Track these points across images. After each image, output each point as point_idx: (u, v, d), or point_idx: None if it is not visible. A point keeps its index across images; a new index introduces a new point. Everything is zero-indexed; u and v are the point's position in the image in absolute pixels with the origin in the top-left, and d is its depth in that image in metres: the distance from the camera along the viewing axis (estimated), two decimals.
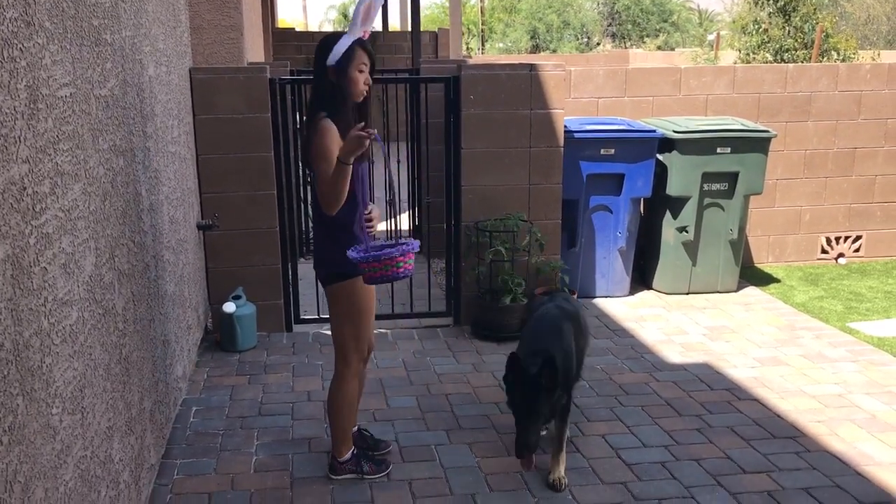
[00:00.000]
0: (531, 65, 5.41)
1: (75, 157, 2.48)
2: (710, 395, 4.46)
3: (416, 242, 3.20)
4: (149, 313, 3.47)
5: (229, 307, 5.06)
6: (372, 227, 3.41)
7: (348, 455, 3.56)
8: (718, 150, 5.97)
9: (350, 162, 3.10)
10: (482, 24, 38.18)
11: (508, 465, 3.67)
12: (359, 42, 3.25)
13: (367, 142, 3.09)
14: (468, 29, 38.43)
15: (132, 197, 3.23)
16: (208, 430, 4.04)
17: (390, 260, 3.10)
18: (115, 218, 2.93)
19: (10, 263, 1.90)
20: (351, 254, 3.16)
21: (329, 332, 5.45)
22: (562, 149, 5.50)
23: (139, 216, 3.34)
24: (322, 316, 5.63)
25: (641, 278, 6.50)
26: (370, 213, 3.40)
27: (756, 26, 14.48)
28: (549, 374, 3.28)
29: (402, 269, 3.13)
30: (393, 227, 3.73)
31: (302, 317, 5.63)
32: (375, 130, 3.10)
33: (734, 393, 4.48)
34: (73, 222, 2.43)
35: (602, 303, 6.10)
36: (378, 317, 5.71)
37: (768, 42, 14.10)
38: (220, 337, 5.19)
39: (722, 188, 6.08)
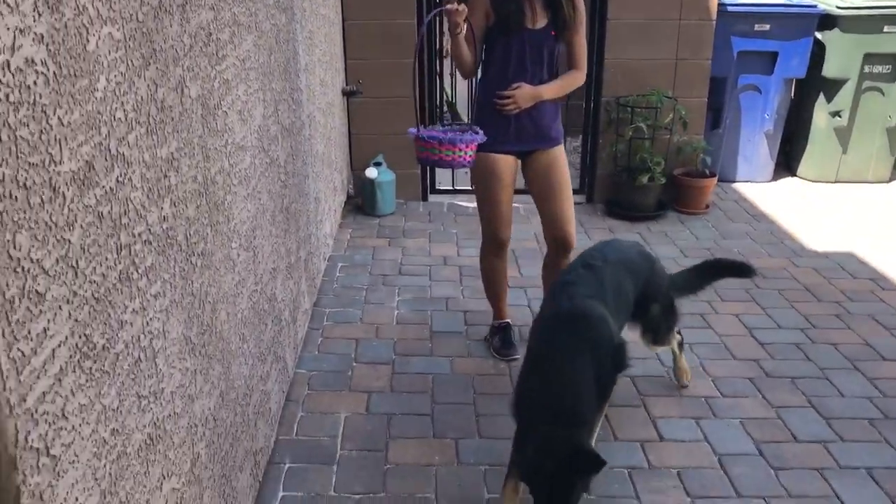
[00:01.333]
0: None
1: (248, 10, 2.60)
2: (851, 283, 4.35)
3: (477, 136, 3.09)
4: (304, 169, 3.66)
5: (371, 173, 5.24)
6: (503, 106, 3.24)
7: (493, 322, 3.71)
8: (885, 28, 5.54)
9: (454, 33, 3.11)
10: None
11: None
12: None
13: (455, 18, 3.03)
14: None
15: (291, 55, 3.36)
16: (353, 285, 4.29)
17: (436, 143, 3.00)
18: (278, 73, 3.08)
19: (199, 103, 2.06)
20: (411, 129, 3.13)
21: (462, 204, 5.61)
22: (713, 22, 5.25)
23: (297, 74, 3.48)
24: (456, 188, 5.76)
25: (786, 164, 6.24)
26: (514, 89, 3.23)
27: None
28: (585, 461, 2.28)
29: (449, 158, 3.03)
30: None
31: (437, 187, 5.77)
32: (456, 6, 3.02)
33: (878, 283, 4.34)
34: (247, 72, 2.57)
35: (742, 187, 5.92)
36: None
37: None
38: (361, 201, 5.41)
39: (885, 71, 5.67)
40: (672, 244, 4.91)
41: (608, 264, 2.80)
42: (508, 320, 3.71)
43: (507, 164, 3.37)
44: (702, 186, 5.38)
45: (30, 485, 1.17)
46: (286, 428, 3.04)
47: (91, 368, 1.38)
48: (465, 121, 6.63)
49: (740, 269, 3.31)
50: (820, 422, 3.10)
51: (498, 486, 2.68)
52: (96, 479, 1.39)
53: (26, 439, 1.16)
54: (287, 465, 2.84)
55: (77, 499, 1.31)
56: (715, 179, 5.45)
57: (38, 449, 1.19)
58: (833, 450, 2.93)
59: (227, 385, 2.29)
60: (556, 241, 3.46)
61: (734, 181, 6.00)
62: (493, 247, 3.54)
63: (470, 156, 3.08)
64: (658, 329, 3.07)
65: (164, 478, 1.75)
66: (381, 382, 3.36)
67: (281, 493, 2.70)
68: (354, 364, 3.50)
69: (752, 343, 3.70)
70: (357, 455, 2.90)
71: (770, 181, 6.02)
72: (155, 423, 1.69)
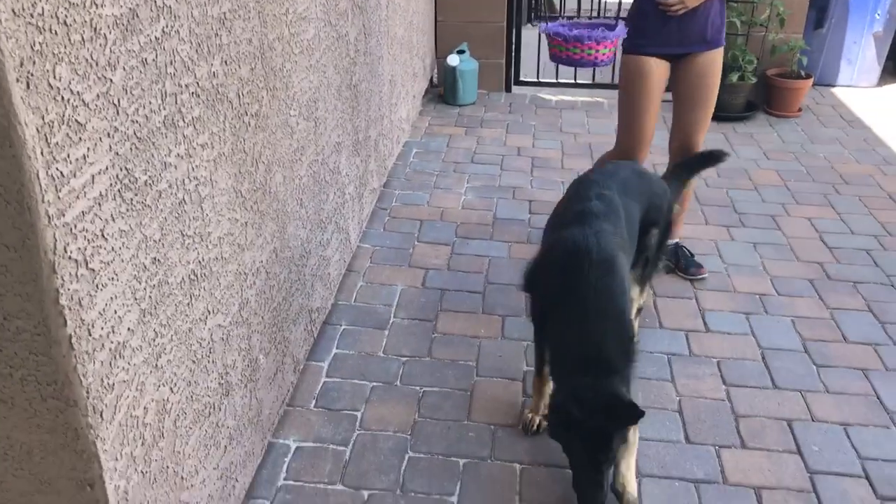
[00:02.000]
0: None
1: None
2: None
3: (617, 31, 2.93)
4: (378, 50, 3.72)
5: (453, 60, 5.25)
6: (669, 6, 2.94)
7: None
8: None
9: None
10: None
11: (702, 229, 3.73)
12: None
13: None
14: None
15: None
16: (425, 170, 4.39)
17: (562, 41, 2.89)
18: None
19: None
20: (541, 24, 3.01)
21: (544, 97, 5.57)
22: None
23: None
24: (540, 80, 5.71)
25: (895, 69, 5.88)
26: None
27: None
28: (624, 412, 2.08)
29: (577, 56, 2.90)
30: None
31: (521, 79, 5.74)
32: None
33: None
34: None
35: (842, 92, 5.64)
36: (596, 85, 5.71)
37: None
38: (442, 90, 5.45)
39: None
40: (756, 146, 4.77)
41: (618, 193, 2.48)
42: None
43: (660, 71, 3.10)
44: (795, 88, 5.15)
45: (68, 290, 1.34)
46: (345, 294, 3.22)
47: (132, 199, 1.53)
48: (558, 12, 6.52)
49: (711, 157, 3.02)
50: (875, 325, 3.05)
51: None
52: (136, 299, 1.56)
53: (65, 249, 1.32)
54: (343, 327, 3.03)
55: (116, 311, 1.49)
56: (810, 82, 5.20)
57: (76, 260, 1.36)
58: (883, 352, 2.90)
59: (281, 243, 2.45)
60: (682, 150, 3.20)
61: (834, 85, 5.71)
62: (624, 159, 3.17)
63: (604, 54, 2.93)
64: (648, 263, 2.71)
65: (209, 313, 1.93)
66: (440, 261, 3.49)
67: (335, 350, 2.90)
68: (416, 243, 3.64)
69: (819, 246, 3.63)
70: (408, 323, 3.06)
71: (874, 86, 5.71)
72: (200, 262, 1.86)
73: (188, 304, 1.81)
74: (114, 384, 1.50)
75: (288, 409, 2.60)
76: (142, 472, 1.63)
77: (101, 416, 1.46)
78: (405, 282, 3.33)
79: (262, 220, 2.27)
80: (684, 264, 3.39)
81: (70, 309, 1.34)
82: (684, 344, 2.95)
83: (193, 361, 1.86)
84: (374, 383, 2.74)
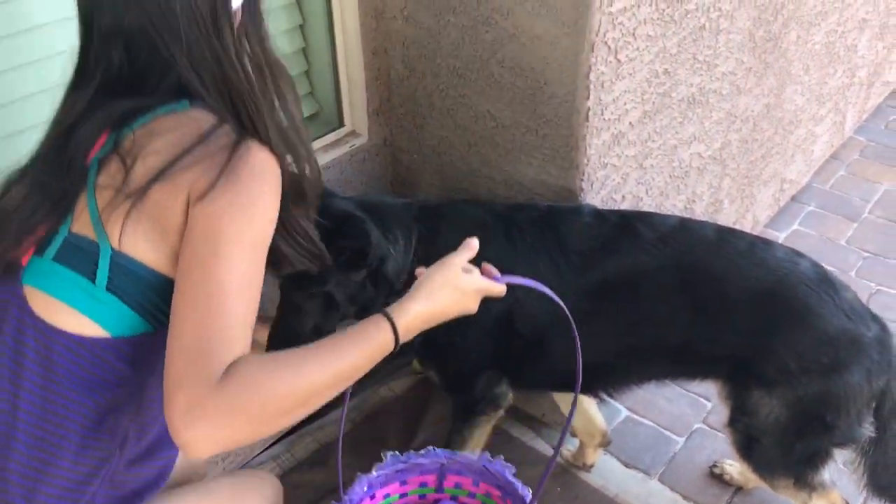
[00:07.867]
0: None
1: None
2: None
3: None
4: None
5: None
6: None
7: None
8: None
9: None
10: None
11: None
12: None
13: None
14: None
15: None
16: None
17: None
18: None
19: None
20: None
21: None
22: None
23: None
24: None
25: None
26: None
27: None
28: None
29: None
30: None
31: None
32: None
33: None
34: None
35: None
36: None
37: None
38: None
39: None
40: None
41: None
42: None
43: None
44: None
45: (598, 70, 1.59)
46: (822, 178, 3.14)
47: (664, 10, 1.72)
48: None
49: None
50: None
51: None
52: (643, 99, 1.78)
53: (604, 35, 1.57)
54: (810, 207, 2.99)
55: (625, 103, 1.73)
56: None
57: (609, 47, 1.60)
58: None
59: (775, 101, 2.49)
60: None
61: None
62: None
63: None
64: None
65: (694, 139, 2.10)
66: None
67: (795, 226, 2.89)
68: None
69: None
70: (883, 223, 2.90)
71: None
72: (700, 89, 2.01)
73: (680, 122, 1.99)
74: (606, 164, 1.77)
75: None
76: None
77: (592, 186, 1.75)
78: (893, 182, 3.12)
79: (764, 71, 2.33)
80: None
81: (594, 86, 1.61)
82: None
83: (670, 176, 2.06)
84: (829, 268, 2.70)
